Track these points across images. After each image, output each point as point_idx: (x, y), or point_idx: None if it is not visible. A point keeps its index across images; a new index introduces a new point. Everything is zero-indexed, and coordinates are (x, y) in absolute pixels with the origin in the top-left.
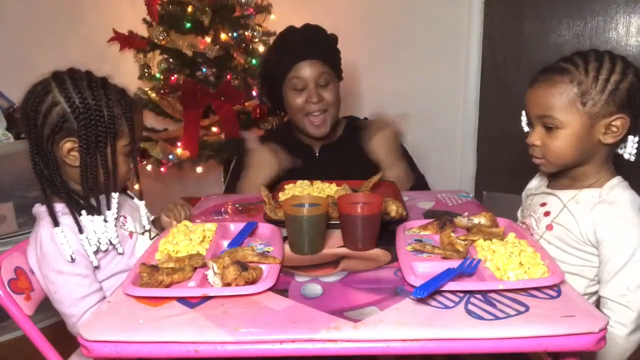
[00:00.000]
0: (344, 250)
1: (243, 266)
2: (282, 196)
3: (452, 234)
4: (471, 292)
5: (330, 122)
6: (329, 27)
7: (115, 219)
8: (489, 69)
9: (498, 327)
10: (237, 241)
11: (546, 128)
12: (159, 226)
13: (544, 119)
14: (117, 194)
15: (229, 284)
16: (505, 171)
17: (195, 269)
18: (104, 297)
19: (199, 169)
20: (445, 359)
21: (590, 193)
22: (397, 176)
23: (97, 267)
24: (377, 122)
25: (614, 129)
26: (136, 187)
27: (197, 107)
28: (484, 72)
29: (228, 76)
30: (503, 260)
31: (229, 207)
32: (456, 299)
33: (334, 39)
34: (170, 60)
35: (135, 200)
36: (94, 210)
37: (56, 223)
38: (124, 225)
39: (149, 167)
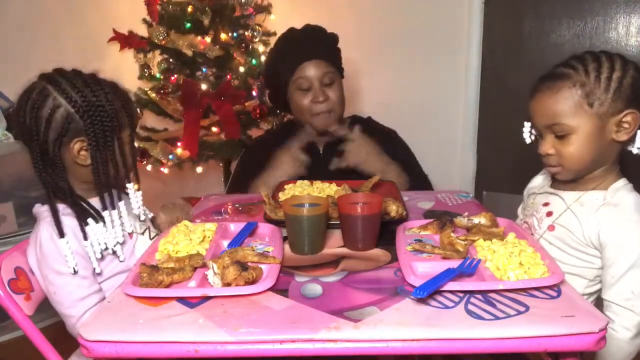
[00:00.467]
0: (344, 250)
1: (243, 266)
2: (282, 196)
3: (452, 234)
4: (471, 292)
5: (335, 119)
6: (328, 26)
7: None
8: (489, 69)
9: (498, 327)
10: (237, 241)
11: (557, 136)
12: (157, 225)
13: (553, 127)
14: (132, 185)
15: (229, 284)
16: (505, 171)
17: (195, 269)
18: (104, 298)
19: (199, 169)
20: (445, 359)
21: (595, 195)
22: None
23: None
24: (347, 144)
25: (626, 125)
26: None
27: (197, 107)
28: (484, 72)
29: (228, 76)
30: (503, 260)
31: (229, 207)
32: (456, 299)
33: (334, 38)
34: (170, 60)
35: (131, 194)
36: (99, 217)
37: (61, 234)
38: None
39: (149, 167)
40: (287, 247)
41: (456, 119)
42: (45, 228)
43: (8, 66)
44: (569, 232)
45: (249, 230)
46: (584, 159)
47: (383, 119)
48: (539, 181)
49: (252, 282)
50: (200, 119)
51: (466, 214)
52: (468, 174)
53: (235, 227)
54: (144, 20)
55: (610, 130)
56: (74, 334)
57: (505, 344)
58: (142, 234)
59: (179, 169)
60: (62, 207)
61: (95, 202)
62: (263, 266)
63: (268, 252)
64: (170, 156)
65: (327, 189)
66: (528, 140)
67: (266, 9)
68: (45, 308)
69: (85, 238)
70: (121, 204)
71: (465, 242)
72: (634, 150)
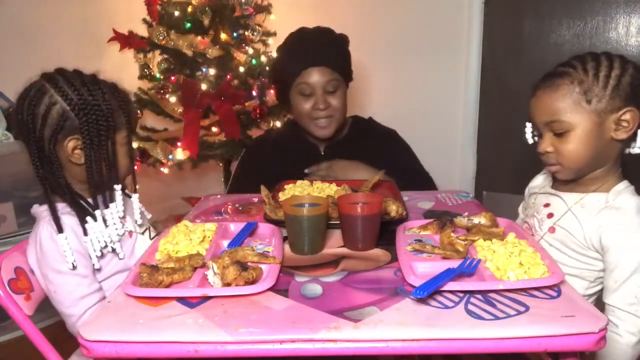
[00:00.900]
0: (344, 250)
1: (243, 266)
2: (282, 196)
3: (452, 234)
4: (471, 292)
5: (336, 126)
6: (327, 26)
7: (122, 217)
8: (489, 69)
9: (498, 327)
10: (237, 241)
11: (556, 134)
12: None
13: (552, 124)
14: (120, 187)
15: (229, 284)
16: (505, 171)
17: (195, 269)
18: (104, 297)
19: (199, 169)
20: (445, 359)
21: (596, 198)
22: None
23: (97, 268)
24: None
25: (625, 123)
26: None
27: (197, 107)
28: (484, 72)
29: (228, 76)
30: (503, 260)
31: (229, 207)
32: (456, 299)
33: (344, 41)
34: (170, 60)
35: (134, 197)
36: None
37: (60, 229)
38: (124, 225)
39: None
40: (287, 247)
41: (456, 119)
42: (44, 227)
43: (8, 66)
44: (569, 234)
45: (249, 230)
46: (583, 157)
47: (383, 119)
48: (539, 181)
49: (252, 282)
50: (200, 119)
51: (466, 214)
52: (468, 174)
53: (235, 227)
54: (144, 20)
55: (609, 128)
56: (75, 333)
57: (505, 344)
58: (142, 234)
59: (179, 169)
60: (61, 206)
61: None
62: (263, 266)
63: (268, 252)
64: (170, 156)
65: (327, 189)
66: (530, 141)
67: (266, 9)
68: (45, 308)
69: (85, 234)
70: (118, 203)
71: (465, 242)
72: (635, 151)
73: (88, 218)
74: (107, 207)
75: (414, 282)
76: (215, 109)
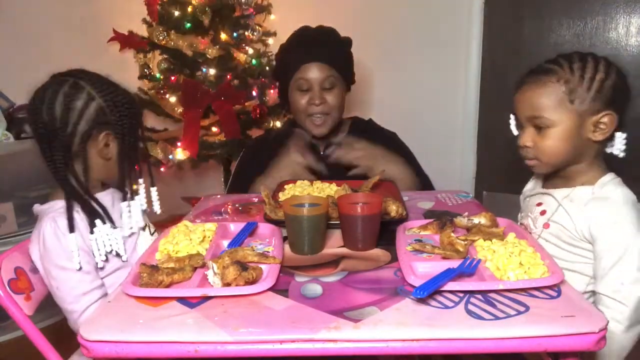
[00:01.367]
0: (344, 250)
1: (243, 266)
2: (282, 196)
3: (452, 234)
4: (471, 292)
5: (331, 124)
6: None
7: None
8: (489, 69)
9: (498, 327)
10: (237, 241)
11: (537, 129)
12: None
13: (535, 119)
14: (142, 180)
15: (229, 284)
16: (505, 171)
17: (195, 269)
18: (106, 294)
19: (199, 169)
20: (445, 359)
21: (583, 190)
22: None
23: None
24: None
25: (602, 126)
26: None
27: (197, 107)
28: (484, 72)
29: (228, 76)
30: (503, 260)
31: (229, 207)
32: (456, 299)
33: (346, 42)
34: (170, 60)
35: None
36: (107, 217)
37: (72, 229)
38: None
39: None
40: (287, 247)
41: (456, 119)
42: (48, 224)
43: (8, 66)
44: (563, 229)
45: (249, 230)
46: (560, 154)
47: (383, 119)
48: (531, 184)
49: (252, 282)
50: (200, 119)
51: (466, 214)
52: (468, 174)
53: (235, 227)
54: (144, 20)
55: (588, 129)
56: (77, 329)
57: (505, 344)
58: (143, 229)
59: (179, 169)
60: (61, 204)
61: (99, 197)
62: (263, 266)
63: (268, 252)
64: (170, 156)
65: (327, 189)
66: (515, 133)
67: (266, 9)
68: (46, 308)
69: (92, 232)
70: (141, 196)
71: (465, 242)
72: (615, 152)
73: (97, 221)
74: (112, 220)
75: (414, 282)
76: (215, 109)
